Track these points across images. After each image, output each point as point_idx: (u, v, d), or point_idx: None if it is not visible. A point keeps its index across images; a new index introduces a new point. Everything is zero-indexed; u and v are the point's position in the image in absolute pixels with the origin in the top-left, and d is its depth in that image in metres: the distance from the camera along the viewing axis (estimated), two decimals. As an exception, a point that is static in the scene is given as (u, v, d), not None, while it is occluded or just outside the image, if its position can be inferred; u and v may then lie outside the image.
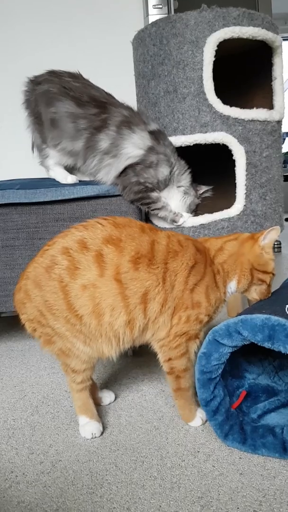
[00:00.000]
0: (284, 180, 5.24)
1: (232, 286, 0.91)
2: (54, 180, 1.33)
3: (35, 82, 1.29)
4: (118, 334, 0.83)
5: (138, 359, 1.25)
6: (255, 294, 0.92)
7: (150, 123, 1.23)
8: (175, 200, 1.28)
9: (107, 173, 1.24)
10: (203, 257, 0.89)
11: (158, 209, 1.26)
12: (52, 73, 1.28)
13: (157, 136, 1.21)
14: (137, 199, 1.24)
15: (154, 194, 1.25)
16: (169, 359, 0.87)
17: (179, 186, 1.27)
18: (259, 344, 0.75)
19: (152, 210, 1.26)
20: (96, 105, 1.22)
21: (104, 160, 1.23)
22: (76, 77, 1.28)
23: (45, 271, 0.82)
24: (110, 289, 0.80)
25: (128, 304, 0.81)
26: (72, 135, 1.24)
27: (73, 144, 1.25)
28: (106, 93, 1.26)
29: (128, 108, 1.24)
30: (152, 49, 1.26)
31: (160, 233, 0.89)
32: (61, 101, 1.23)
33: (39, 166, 1.41)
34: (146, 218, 1.40)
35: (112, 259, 0.81)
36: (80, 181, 1.33)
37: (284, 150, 6.79)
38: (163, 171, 1.22)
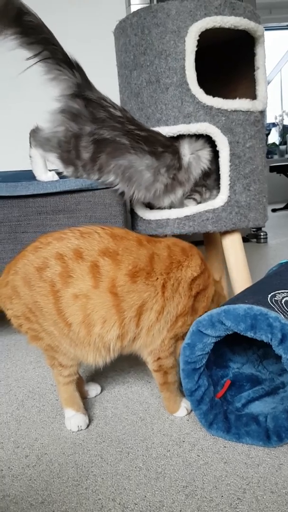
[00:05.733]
0: (270, 171, 5.30)
1: None
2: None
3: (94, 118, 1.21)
4: (109, 345, 0.83)
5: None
6: None
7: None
8: (196, 169, 1.28)
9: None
10: (207, 269, 0.91)
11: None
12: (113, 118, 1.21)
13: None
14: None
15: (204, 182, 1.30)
16: (159, 358, 0.87)
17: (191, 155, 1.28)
18: (242, 333, 0.75)
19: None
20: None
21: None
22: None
23: (36, 270, 0.81)
24: (104, 301, 0.79)
25: (123, 318, 0.80)
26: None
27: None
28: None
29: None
30: (133, 39, 1.25)
31: (159, 244, 0.88)
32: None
33: (22, 158, 1.40)
34: (131, 209, 1.39)
35: (108, 272, 0.79)
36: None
37: (270, 141, 6.84)
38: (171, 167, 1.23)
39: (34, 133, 1.27)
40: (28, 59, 1.15)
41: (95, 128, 1.18)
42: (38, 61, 1.16)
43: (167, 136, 1.24)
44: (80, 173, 1.24)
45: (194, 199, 1.32)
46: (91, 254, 0.80)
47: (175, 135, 1.25)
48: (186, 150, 1.25)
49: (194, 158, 1.25)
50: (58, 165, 1.25)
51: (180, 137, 1.25)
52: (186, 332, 0.85)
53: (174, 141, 1.25)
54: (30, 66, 1.16)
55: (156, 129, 1.24)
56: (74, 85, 1.19)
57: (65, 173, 1.25)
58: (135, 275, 0.81)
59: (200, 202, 1.31)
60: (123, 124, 1.19)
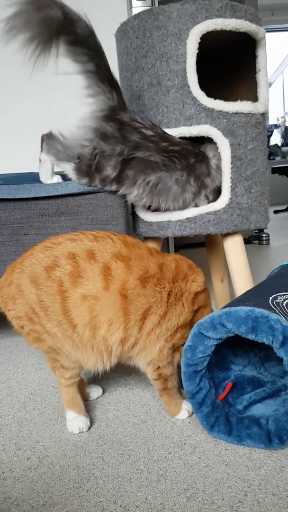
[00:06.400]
0: (272, 173, 5.29)
1: None
2: (38, 174, 1.31)
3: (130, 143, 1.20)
4: (111, 349, 0.83)
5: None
6: None
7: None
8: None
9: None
10: (207, 289, 0.93)
11: None
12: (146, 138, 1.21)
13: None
14: None
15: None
16: (158, 368, 0.88)
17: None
18: (243, 336, 0.75)
19: None
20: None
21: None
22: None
23: (44, 270, 0.81)
24: (112, 303, 0.80)
25: (129, 321, 0.81)
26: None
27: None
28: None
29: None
30: (135, 42, 1.25)
31: (168, 257, 0.90)
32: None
33: (24, 161, 1.39)
34: (133, 211, 1.39)
35: (120, 275, 0.80)
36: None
37: (272, 143, 6.83)
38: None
39: (48, 140, 1.23)
40: (72, 73, 1.11)
41: (127, 150, 1.17)
42: (80, 73, 1.13)
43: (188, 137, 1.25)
44: (95, 183, 1.22)
45: (207, 198, 1.31)
46: (104, 256, 0.81)
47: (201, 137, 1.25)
48: (211, 153, 1.26)
49: (218, 159, 1.26)
50: (71, 175, 1.22)
51: (203, 139, 1.26)
52: (184, 343, 0.86)
53: (200, 146, 1.25)
54: (72, 74, 1.12)
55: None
56: (109, 107, 1.17)
57: (77, 183, 1.24)
58: (146, 280, 0.82)
59: (211, 201, 1.31)
60: (156, 143, 1.19)
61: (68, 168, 1.21)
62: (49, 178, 1.27)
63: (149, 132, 1.19)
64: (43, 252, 0.83)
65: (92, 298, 0.79)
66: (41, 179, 1.27)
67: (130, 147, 1.17)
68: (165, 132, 1.22)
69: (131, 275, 0.81)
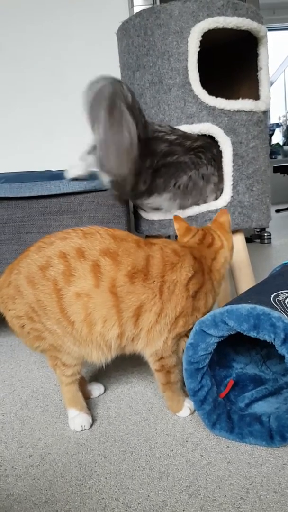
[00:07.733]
0: (274, 172, 5.27)
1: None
2: (39, 172, 1.31)
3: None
4: (110, 344, 0.83)
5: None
6: None
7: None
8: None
9: None
10: (200, 266, 0.90)
11: None
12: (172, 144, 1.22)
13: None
14: None
15: None
16: (161, 358, 0.87)
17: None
18: (245, 333, 0.75)
19: None
20: None
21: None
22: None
23: (39, 269, 0.82)
24: (105, 300, 0.80)
25: (122, 318, 0.81)
26: None
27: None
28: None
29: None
30: (136, 40, 1.25)
31: (153, 246, 0.88)
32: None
33: (25, 160, 1.39)
34: (134, 210, 1.39)
35: (109, 272, 0.80)
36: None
37: (274, 142, 6.82)
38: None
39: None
40: None
41: (157, 160, 1.19)
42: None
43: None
44: (126, 198, 1.24)
45: (216, 193, 1.31)
46: (93, 254, 0.81)
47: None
48: None
49: None
50: (107, 186, 1.23)
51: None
52: (189, 331, 0.86)
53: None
54: None
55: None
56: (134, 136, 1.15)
57: (84, 183, 1.24)
58: (134, 276, 0.82)
59: (216, 198, 1.30)
60: (181, 145, 1.20)
61: (106, 181, 1.22)
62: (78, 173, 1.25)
63: (173, 136, 1.20)
64: (37, 252, 0.84)
65: (85, 296, 0.80)
66: (69, 172, 1.25)
67: (159, 157, 1.18)
68: (185, 132, 1.22)
69: (119, 271, 0.81)
